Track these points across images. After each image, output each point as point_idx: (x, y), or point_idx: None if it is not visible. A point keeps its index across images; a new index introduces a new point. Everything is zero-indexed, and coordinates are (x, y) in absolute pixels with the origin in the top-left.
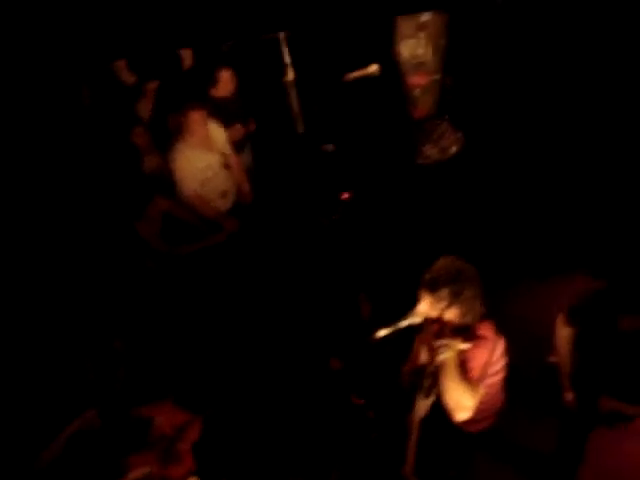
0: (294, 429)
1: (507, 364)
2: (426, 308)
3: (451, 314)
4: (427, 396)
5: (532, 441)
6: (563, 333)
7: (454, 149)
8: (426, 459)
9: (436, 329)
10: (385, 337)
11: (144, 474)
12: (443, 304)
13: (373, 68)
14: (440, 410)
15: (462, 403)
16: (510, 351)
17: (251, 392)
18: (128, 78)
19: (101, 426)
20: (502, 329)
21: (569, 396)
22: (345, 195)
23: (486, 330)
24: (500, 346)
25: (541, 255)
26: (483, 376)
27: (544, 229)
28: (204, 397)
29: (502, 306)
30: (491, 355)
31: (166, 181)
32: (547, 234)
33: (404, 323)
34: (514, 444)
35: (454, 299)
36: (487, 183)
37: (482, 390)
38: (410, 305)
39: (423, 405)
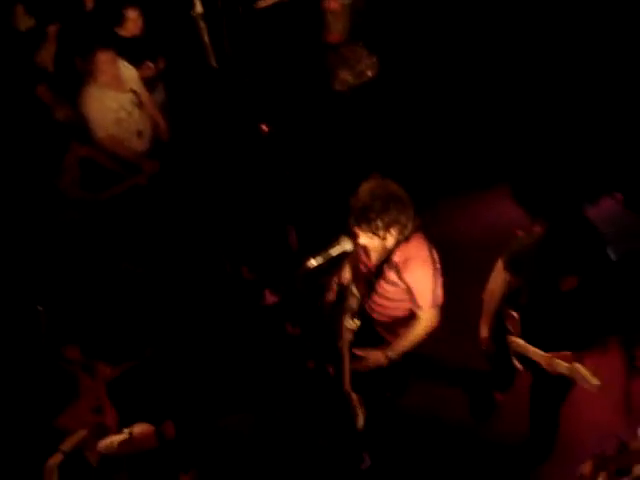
0: (230, 363)
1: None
2: (362, 237)
3: (389, 238)
4: (353, 317)
5: (463, 360)
6: (499, 277)
7: (369, 74)
8: (363, 382)
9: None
10: (317, 266)
11: (80, 439)
12: (380, 232)
13: None
14: (373, 332)
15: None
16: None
17: (187, 328)
18: (25, 22)
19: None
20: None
21: (484, 332)
22: (264, 127)
23: (418, 242)
24: (436, 255)
25: (460, 172)
26: (436, 297)
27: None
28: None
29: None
30: (434, 267)
31: (80, 127)
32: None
33: (334, 251)
34: (445, 364)
35: (389, 223)
36: (405, 106)
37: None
38: (338, 232)
39: (351, 327)
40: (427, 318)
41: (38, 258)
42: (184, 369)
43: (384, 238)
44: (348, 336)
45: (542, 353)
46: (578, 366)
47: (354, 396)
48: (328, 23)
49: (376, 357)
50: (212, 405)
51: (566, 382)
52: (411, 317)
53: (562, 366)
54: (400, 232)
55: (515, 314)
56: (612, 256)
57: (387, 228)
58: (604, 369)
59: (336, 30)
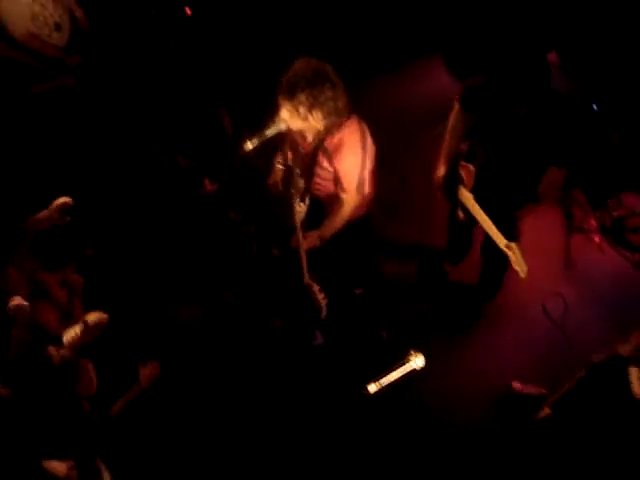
0: (178, 255)
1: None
2: (287, 115)
3: (313, 119)
4: (302, 200)
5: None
6: (456, 117)
7: None
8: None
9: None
10: (254, 149)
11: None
12: (303, 109)
13: None
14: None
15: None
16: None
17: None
18: None
19: None
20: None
21: (440, 172)
22: (188, 10)
23: (351, 129)
24: (368, 142)
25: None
26: (361, 183)
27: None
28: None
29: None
30: (363, 156)
31: None
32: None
33: (270, 132)
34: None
35: (314, 102)
36: None
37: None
38: (272, 113)
39: (301, 209)
40: (351, 201)
41: None
42: (135, 262)
43: (305, 118)
44: (299, 218)
45: (484, 217)
46: (513, 247)
47: (315, 287)
48: None
49: (310, 239)
50: (164, 296)
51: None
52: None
53: (501, 242)
54: (326, 115)
55: (471, 166)
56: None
57: (310, 108)
58: (543, 227)
59: None
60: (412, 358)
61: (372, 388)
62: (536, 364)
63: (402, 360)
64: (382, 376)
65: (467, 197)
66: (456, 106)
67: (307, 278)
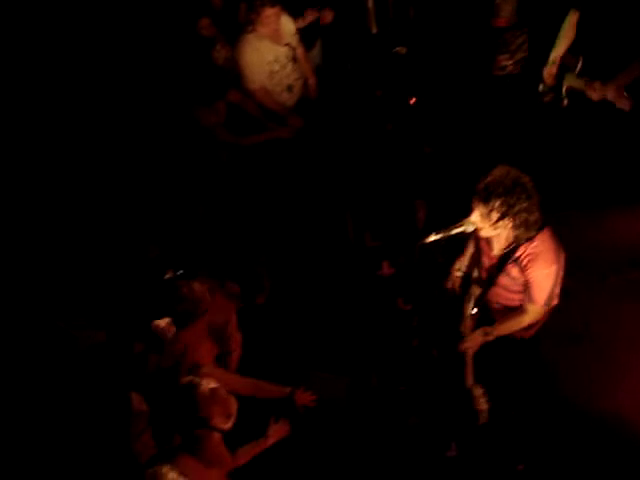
0: (341, 330)
1: None
2: (478, 219)
3: (503, 227)
4: (475, 307)
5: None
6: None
7: None
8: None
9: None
10: (435, 242)
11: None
12: (495, 216)
13: None
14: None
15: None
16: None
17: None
18: None
19: None
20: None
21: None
22: (413, 100)
23: (546, 241)
24: (562, 256)
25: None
26: (551, 297)
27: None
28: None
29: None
30: (557, 268)
31: (235, 73)
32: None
33: (455, 230)
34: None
35: (507, 210)
36: None
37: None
38: (466, 213)
39: (471, 316)
40: (535, 312)
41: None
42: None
43: (495, 225)
44: (469, 323)
45: None
46: None
47: (478, 390)
48: (496, 5)
49: (474, 336)
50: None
51: None
52: (520, 308)
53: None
54: (517, 225)
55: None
56: None
57: (503, 216)
58: None
59: (504, 15)
60: None
61: None
62: None
63: None
64: None
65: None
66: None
67: (471, 381)
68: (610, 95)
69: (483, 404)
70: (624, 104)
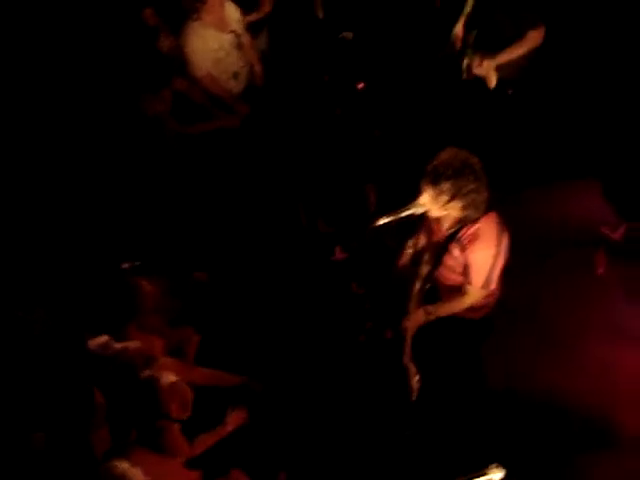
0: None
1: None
2: (427, 200)
3: (452, 208)
4: (422, 286)
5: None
6: None
7: None
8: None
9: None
10: (385, 225)
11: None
12: (444, 198)
13: None
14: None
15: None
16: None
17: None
18: None
19: None
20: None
21: None
22: (360, 85)
23: (489, 224)
24: (505, 240)
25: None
26: (489, 280)
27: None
28: None
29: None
30: (497, 252)
31: (181, 61)
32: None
33: (405, 213)
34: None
35: (456, 192)
36: None
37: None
38: (415, 196)
39: (418, 294)
40: (474, 295)
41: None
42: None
43: (444, 206)
44: (415, 302)
45: None
46: None
47: (413, 368)
48: None
49: (416, 315)
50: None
51: None
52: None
53: None
54: (466, 206)
55: None
56: None
57: (451, 198)
58: None
59: None
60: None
61: None
62: None
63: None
64: None
65: None
66: None
67: (407, 359)
68: (482, 70)
69: (415, 383)
70: (490, 81)
